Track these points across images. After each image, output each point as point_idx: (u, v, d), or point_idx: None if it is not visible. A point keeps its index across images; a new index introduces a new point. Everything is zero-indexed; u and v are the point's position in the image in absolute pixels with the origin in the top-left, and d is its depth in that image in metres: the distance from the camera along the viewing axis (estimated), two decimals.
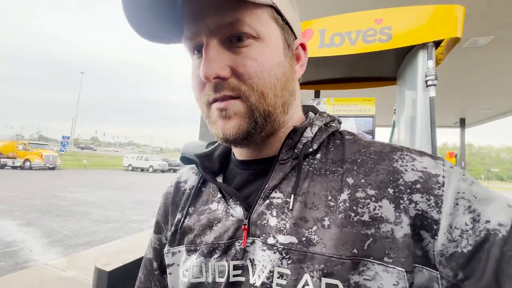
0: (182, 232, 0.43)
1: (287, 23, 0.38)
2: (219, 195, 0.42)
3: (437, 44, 1.05)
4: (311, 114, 0.44)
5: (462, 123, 6.60)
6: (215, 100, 0.35)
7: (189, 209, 0.45)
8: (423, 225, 0.30)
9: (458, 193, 0.30)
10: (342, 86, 1.80)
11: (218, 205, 0.41)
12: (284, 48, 0.37)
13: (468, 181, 0.31)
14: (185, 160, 0.44)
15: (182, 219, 0.44)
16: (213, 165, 0.45)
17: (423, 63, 1.04)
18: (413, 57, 1.08)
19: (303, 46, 0.42)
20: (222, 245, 0.38)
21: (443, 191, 0.30)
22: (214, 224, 0.40)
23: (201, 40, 0.34)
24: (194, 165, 0.51)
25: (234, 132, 0.35)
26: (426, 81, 1.04)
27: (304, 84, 1.81)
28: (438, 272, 0.29)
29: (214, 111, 0.36)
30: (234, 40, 0.34)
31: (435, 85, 1.02)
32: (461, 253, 0.28)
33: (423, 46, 1.05)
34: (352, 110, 1.43)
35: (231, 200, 0.40)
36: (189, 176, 0.50)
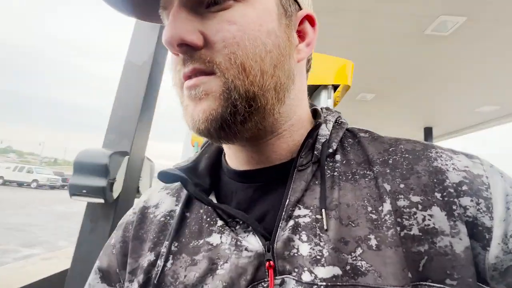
0: (160, 283, 0.29)
1: None
2: (220, 222, 0.31)
3: (335, 87, 1.29)
4: (318, 108, 0.37)
5: None
6: (186, 78, 0.28)
7: (172, 246, 0.31)
8: (473, 233, 0.25)
9: (507, 195, 0.26)
10: None
11: (221, 237, 0.30)
12: (279, 14, 0.29)
13: (508, 182, 0.27)
14: (166, 176, 0.32)
15: (159, 263, 0.30)
16: (203, 182, 0.34)
17: (325, 101, 1.25)
18: (319, 94, 1.29)
19: (310, 20, 0.33)
20: None
21: (490, 193, 0.26)
22: (218, 267, 0.28)
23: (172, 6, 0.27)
24: (165, 185, 0.38)
25: (203, 117, 0.27)
26: None
27: None
28: None
29: (185, 92, 0.28)
30: (211, 4, 0.27)
31: None
32: None
33: (325, 87, 1.26)
34: None
35: (238, 227, 0.30)
36: (162, 198, 0.37)
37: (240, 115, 0.27)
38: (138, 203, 0.39)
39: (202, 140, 0.38)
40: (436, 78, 3.11)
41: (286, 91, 0.30)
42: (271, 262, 0.26)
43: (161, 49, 1.35)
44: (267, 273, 0.26)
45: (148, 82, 1.30)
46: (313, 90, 1.32)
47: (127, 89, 1.30)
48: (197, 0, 0.27)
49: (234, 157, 0.34)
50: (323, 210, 0.27)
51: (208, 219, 0.31)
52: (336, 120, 0.35)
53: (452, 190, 0.27)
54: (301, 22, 0.32)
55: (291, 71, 0.31)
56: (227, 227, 0.30)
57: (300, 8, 0.33)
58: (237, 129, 0.28)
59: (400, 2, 1.88)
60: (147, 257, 0.32)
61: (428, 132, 5.33)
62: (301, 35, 0.33)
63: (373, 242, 0.25)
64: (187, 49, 0.26)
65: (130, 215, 0.38)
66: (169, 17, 0.27)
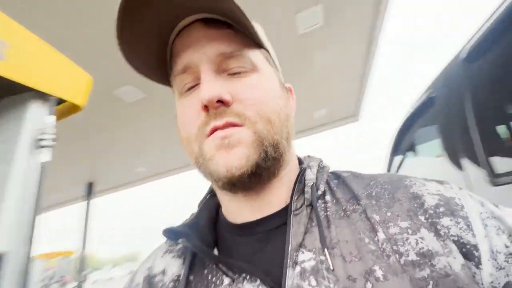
0: None
1: (277, 68, 0.39)
2: (227, 280, 0.31)
3: (58, 102, 0.89)
4: (301, 157, 0.42)
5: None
6: (214, 130, 0.31)
7: None
8: (463, 253, 0.26)
9: (481, 213, 0.29)
10: None
11: None
12: (280, 84, 0.37)
13: (477, 201, 0.30)
14: (171, 233, 0.35)
15: None
16: (206, 238, 0.35)
17: (37, 113, 0.80)
18: (21, 103, 0.79)
19: (290, 90, 0.42)
20: None
21: (466, 212, 0.28)
22: None
23: (197, 70, 0.33)
24: (167, 248, 0.39)
25: (240, 164, 0.30)
26: (40, 140, 0.78)
27: None
28: None
29: (212, 142, 0.31)
30: (235, 70, 0.33)
31: (51, 146, 0.80)
32: None
33: (42, 95, 0.81)
34: None
35: (246, 282, 0.29)
36: (168, 263, 0.37)
37: (269, 161, 0.31)
38: (138, 270, 0.39)
39: None
40: (107, 136, 3.48)
41: (291, 140, 0.37)
42: None
43: None
44: None
45: None
46: (5, 91, 0.79)
47: None
48: (222, 68, 0.33)
49: (236, 209, 0.36)
50: (325, 250, 0.28)
51: (214, 278, 0.32)
52: (319, 164, 0.39)
53: (432, 212, 0.29)
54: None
55: (292, 125, 0.37)
56: (234, 284, 0.30)
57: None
58: (263, 173, 0.32)
59: (96, 67, 1.79)
60: None
61: (89, 187, 5.03)
62: None
63: (379, 273, 0.26)
64: (221, 105, 0.31)
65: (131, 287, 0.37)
66: (201, 79, 0.32)
